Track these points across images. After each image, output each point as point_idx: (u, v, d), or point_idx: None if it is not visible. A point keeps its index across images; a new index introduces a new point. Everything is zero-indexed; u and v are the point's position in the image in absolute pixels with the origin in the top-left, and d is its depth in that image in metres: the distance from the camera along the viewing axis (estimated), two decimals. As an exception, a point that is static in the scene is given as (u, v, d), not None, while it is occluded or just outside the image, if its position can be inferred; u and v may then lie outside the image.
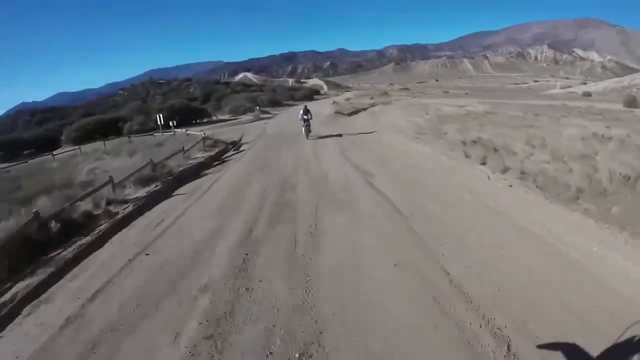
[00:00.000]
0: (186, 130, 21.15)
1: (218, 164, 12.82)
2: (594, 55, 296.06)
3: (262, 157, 12.71)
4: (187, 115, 28.30)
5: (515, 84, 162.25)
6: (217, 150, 15.36)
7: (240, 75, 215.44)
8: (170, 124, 22.72)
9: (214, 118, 32.44)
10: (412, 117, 17.87)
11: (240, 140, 18.00)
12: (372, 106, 30.75)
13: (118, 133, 26.13)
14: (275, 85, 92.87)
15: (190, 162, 13.00)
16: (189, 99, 71.74)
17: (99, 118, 25.33)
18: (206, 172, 11.48)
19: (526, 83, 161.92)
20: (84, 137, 26.95)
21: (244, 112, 31.63)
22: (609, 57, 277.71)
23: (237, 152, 14.92)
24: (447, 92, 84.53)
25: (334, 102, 31.31)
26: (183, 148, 13.48)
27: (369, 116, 22.60)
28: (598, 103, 33.69)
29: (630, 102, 28.33)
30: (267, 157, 12.58)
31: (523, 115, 18.53)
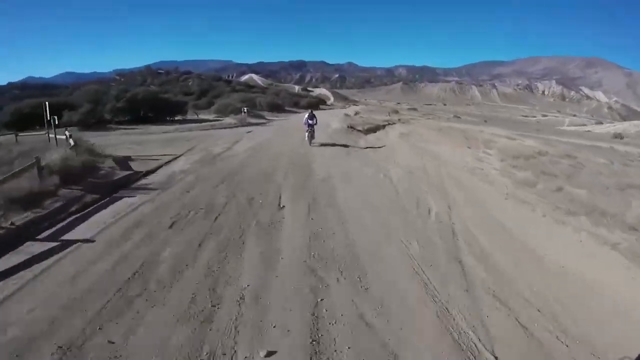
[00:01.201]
0: (69, 135, 12.10)
1: None
2: (600, 95, 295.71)
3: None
4: (158, 110, 21.99)
5: (524, 116, 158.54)
6: None
7: (247, 76, 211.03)
8: (53, 120, 13.27)
9: (196, 116, 26.14)
10: (474, 153, 11.85)
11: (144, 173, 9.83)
12: (389, 124, 24.80)
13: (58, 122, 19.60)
14: (280, 89, 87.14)
15: None
16: (185, 93, 65.92)
17: (39, 102, 18.80)
18: None
19: (535, 116, 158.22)
20: (20, 122, 20.47)
21: (231, 114, 25.33)
22: (615, 99, 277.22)
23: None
24: (459, 117, 79.28)
25: (346, 114, 25.20)
26: None
27: (400, 139, 16.43)
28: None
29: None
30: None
31: (611, 164, 12.95)
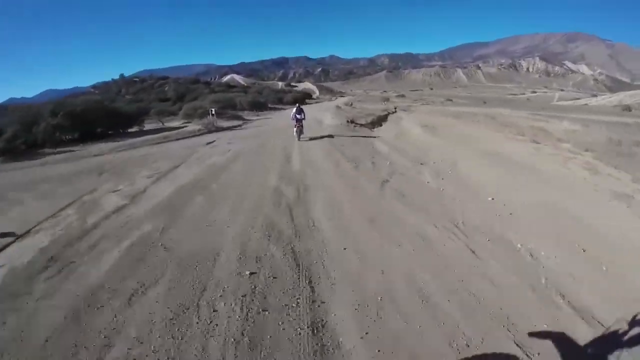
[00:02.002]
0: None
1: None
2: (583, 68, 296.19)
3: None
4: (110, 123, 17.59)
5: (513, 94, 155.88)
6: None
7: (228, 77, 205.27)
8: None
9: (161, 124, 21.78)
10: (552, 151, 7.78)
11: None
12: (390, 113, 20.83)
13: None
14: (263, 87, 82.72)
15: None
16: (161, 99, 60.95)
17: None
18: None
19: (523, 94, 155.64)
20: None
21: (199, 117, 20.97)
22: (599, 71, 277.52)
23: None
24: (451, 100, 75.52)
25: (337, 106, 21.14)
26: None
27: (430, 135, 12.32)
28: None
29: None
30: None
31: None
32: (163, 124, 22.26)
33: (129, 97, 74.67)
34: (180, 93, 61.87)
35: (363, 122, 15.21)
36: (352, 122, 15.05)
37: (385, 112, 20.78)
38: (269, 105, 42.44)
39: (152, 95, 69.55)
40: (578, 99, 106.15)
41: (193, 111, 23.25)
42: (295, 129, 13.26)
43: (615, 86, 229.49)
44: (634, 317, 2.30)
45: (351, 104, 33.07)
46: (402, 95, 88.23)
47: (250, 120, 23.62)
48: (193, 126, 18.79)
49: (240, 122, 21.46)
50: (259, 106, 36.63)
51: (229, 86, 75.67)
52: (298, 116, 13.37)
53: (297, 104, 14.17)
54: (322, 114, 19.44)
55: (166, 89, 77.13)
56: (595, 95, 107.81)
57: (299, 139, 13.00)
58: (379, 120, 16.35)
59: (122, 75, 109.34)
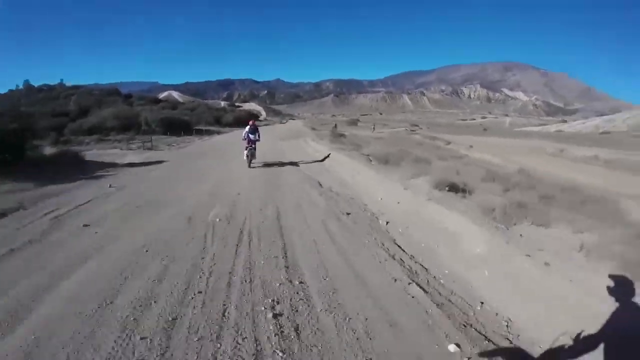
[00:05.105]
0: None
1: None
2: (520, 95, 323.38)
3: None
4: None
5: (463, 119, 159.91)
6: None
7: (165, 93, 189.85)
8: None
9: None
10: None
11: None
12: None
13: None
14: (198, 104, 70.26)
15: None
16: (55, 114, 45.72)
17: None
18: None
19: (474, 119, 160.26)
20: None
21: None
22: (535, 97, 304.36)
23: None
24: (416, 126, 69.34)
25: (312, 127, 16.33)
26: None
27: None
28: None
29: None
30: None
31: None
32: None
33: (23, 110, 58.16)
34: (84, 106, 47.49)
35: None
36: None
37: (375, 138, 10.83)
38: (197, 128, 30.77)
39: (47, 108, 54.05)
40: (536, 125, 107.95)
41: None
42: (246, 151, 11.26)
43: (552, 111, 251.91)
44: (578, 334, 2.27)
45: (315, 129, 23.15)
46: (357, 120, 79.37)
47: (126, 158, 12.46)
48: None
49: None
50: (177, 127, 24.98)
51: (156, 101, 62.12)
52: (251, 136, 11.46)
53: (251, 121, 12.06)
54: (289, 143, 9.87)
55: (71, 101, 61.64)
56: (564, 121, 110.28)
57: (249, 165, 11.02)
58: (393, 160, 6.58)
59: (26, 82, 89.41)
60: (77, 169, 10.36)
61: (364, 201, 6.49)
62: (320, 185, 7.96)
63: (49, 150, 15.54)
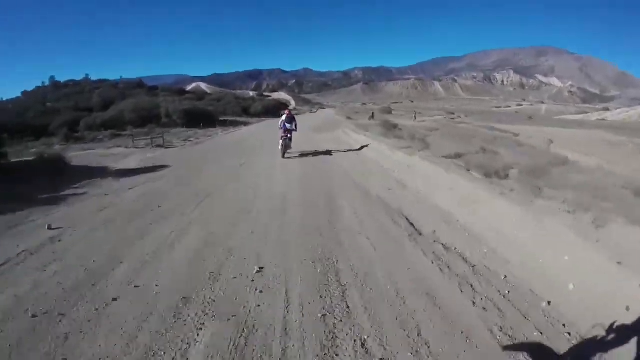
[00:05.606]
0: None
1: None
2: (555, 81, 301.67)
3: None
4: None
5: (497, 107, 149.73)
6: None
7: (193, 85, 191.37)
8: None
9: None
10: None
11: None
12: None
13: None
14: (224, 94, 68.10)
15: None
16: (77, 109, 44.63)
17: None
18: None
19: (509, 107, 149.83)
20: None
21: None
22: (570, 83, 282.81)
23: None
24: (453, 114, 63.41)
25: (347, 116, 11.85)
26: None
27: None
28: None
29: None
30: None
31: None
32: None
33: (49, 105, 58.12)
34: (107, 100, 46.19)
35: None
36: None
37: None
38: (221, 119, 27.92)
39: (71, 103, 53.54)
40: (586, 112, 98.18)
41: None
42: (281, 141, 11.11)
43: (589, 98, 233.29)
44: (612, 324, 2.16)
45: (354, 119, 19.67)
46: (389, 109, 73.00)
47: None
48: None
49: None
50: (198, 119, 22.20)
51: (182, 92, 60.38)
52: (288, 125, 11.42)
53: (288, 110, 12.30)
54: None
55: (94, 96, 61.17)
56: (607, 109, 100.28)
57: (283, 156, 10.91)
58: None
59: (52, 79, 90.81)
60: (44, 182, 7.48)
61: (541, 304, 2.90)
62: (418, 232, 4.40)
63: (54, 149, 13.23)
